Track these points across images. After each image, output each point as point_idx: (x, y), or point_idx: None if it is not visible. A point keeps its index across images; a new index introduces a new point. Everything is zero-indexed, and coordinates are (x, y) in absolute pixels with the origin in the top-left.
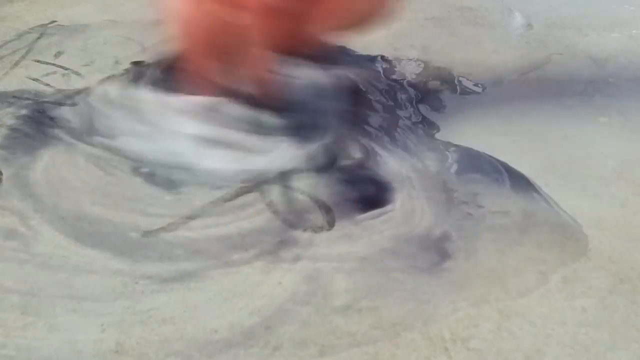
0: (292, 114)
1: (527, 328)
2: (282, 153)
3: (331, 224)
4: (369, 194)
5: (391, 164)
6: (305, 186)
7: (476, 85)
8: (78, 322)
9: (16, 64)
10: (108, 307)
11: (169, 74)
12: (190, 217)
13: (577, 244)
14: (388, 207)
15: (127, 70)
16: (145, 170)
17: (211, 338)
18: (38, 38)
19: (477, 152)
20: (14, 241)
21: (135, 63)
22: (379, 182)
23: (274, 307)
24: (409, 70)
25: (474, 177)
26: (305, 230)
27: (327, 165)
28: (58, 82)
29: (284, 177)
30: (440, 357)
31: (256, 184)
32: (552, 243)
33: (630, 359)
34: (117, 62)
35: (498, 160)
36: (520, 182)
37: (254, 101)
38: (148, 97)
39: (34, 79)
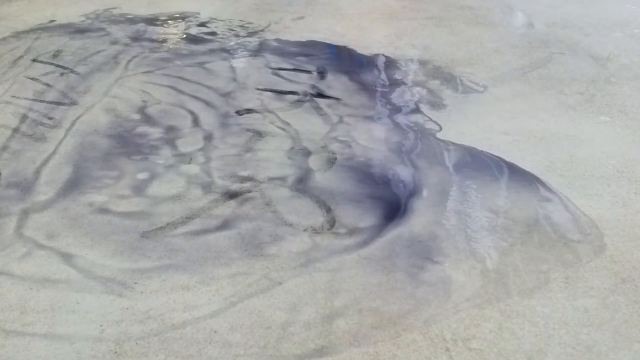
0: None
1: (528, 328)
2: None
3: (331, 224)
4: (379, 198)
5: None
6: (306, 186)
7: (477, 84)
8: (77, 323)
9: (14, 63)
10: (107, 307)
11: None
12: (190, 218)
13: (580, 244)
14: (400, 215)
15: None
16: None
17: (211, 338)
18: (36, 37)
19: (479, 151)
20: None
21: None
22: (382, 184)
23: (274, 307)
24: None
25: (476, 176)
26: (305, 230)
27: None
28: (56, 82)
29: (284, 177)
30: (441, 358)
31: (256, 183)
32: (553, 242)
33: (633, 359)
34: (115, 61)
35: (501, 159)
36: (524, 181)
37: None
38: None
39: (32, 79)
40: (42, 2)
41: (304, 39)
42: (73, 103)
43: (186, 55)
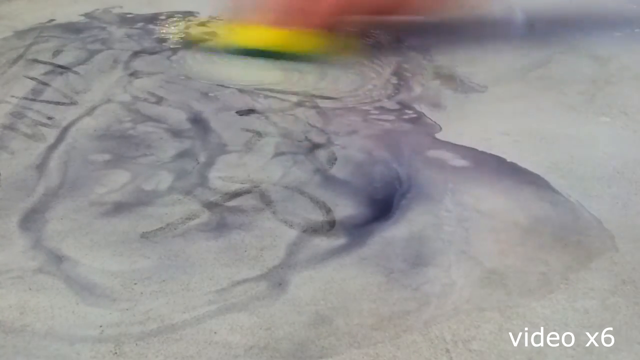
0: None
1: (528, 329)
2: None
3: (331, 224)
4: (373, 197)
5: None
6: (306, 187)
7: (477, 84)
8: (76, 324)
9: (14, 62)
10: (106, 308)
11: None
12: (189, 218)
13: (580, 245)
14: (391, 213)
15: None
16: None
17: (211, 339)
18: (36, 37)
19: (479, 152)
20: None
21: None
22: (382, 185)
23: (274, 308)
24: None
25: (476, 177)
26: (305, 230)
27: None
28: (56, 81)
29: (284, 177)
30: (442, 359)
31: (256, 184)
32: (554, 243)
33: None
34: (115, 61)
35: (502, 160)
36: (525, 181)
37: None
38: None
39: (31, 78)
40: (42, 1)
41: None
42: (73, 103)
43: (186, 54)
